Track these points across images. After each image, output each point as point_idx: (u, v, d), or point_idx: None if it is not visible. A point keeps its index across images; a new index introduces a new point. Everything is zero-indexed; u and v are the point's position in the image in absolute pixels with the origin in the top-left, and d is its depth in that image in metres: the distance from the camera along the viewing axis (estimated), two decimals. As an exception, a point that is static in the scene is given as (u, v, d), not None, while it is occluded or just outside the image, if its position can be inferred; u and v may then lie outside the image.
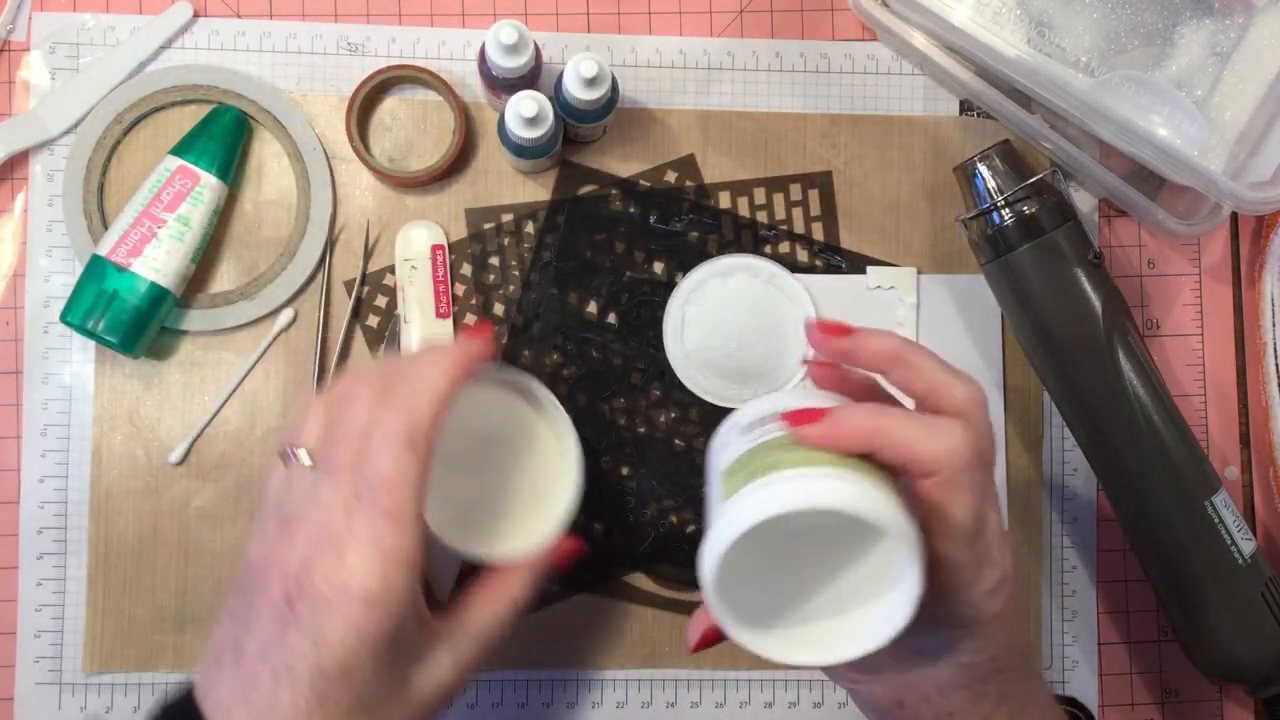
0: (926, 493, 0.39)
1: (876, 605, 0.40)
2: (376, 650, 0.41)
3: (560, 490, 0.50)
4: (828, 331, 0.44)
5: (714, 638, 0.42)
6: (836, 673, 0.46)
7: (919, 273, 0.63)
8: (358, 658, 0.40)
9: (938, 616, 0.40)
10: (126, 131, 0.61)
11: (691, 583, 0.61)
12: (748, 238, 0.63)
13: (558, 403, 0.50)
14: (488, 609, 0.46)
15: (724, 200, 0.63)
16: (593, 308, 0.62)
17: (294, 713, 0.40)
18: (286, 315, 0.61)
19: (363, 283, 0.61)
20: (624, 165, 0.63)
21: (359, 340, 0.61)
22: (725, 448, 0.43)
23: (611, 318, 0.62)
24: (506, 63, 0.56)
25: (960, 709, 0.43)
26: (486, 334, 0.46)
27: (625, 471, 0.61)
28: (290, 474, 0.44)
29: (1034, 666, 0.45)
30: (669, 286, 0.62)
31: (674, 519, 0.61)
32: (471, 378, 0.44)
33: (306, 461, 0.43)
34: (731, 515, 0.38)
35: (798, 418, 0.40)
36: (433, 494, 0.44)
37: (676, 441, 0.62)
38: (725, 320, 0.61)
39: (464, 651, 0.45)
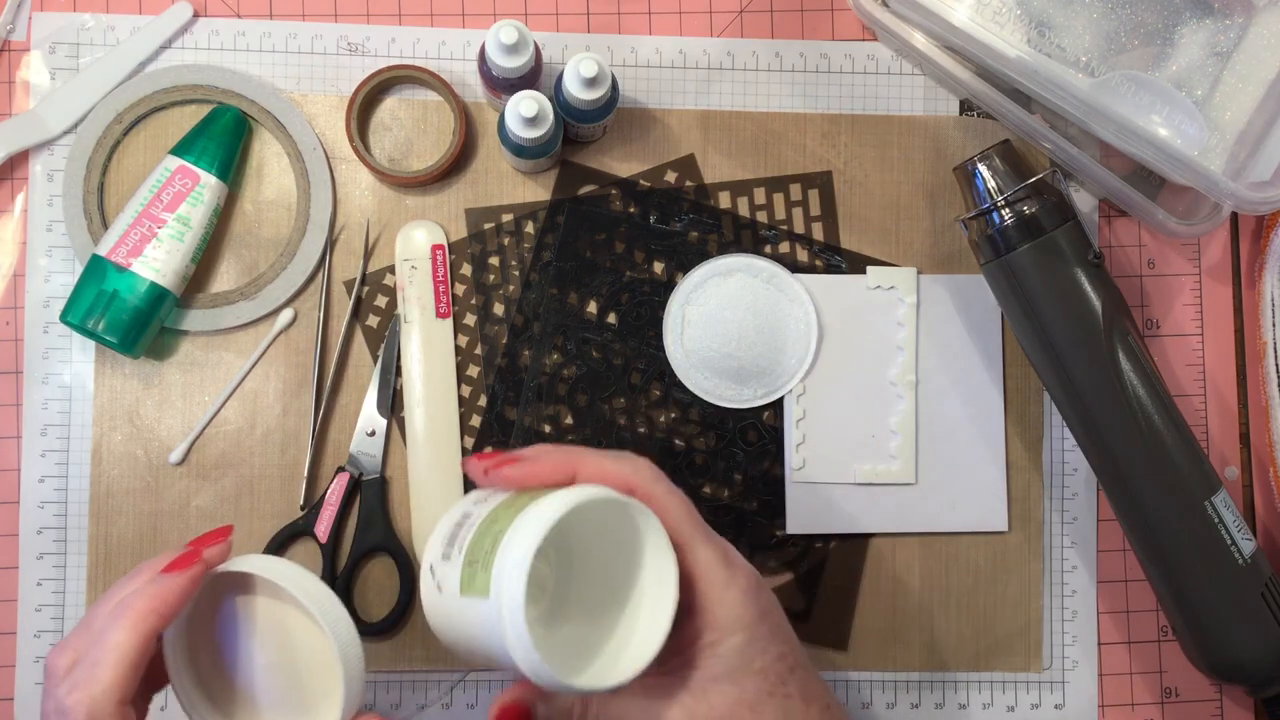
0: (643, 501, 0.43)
1: (650, 609, 0.43)
2: None
3: (329, 681, 0.45)
4: (497, 465, 0.45)
5: (518, 714, 0.44)
6: None
7: (919, 273, 0.63)
8: None
9: (715, 625, 0.43)
10: (126, 131, 0.61)
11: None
12: (748, 238, 0.63)
13: (313, 587, 0.44)
14: None
15: (724, 200, 0.63)
16: (593, 308, 0.62)
17: None
18: (286, 315, 0.61)
19: (363, 283, 0.61)
20: (624, 165, 0.63)
21: (359, 340, 0.61)
22: (445, 560, 0.44)
23: (611, 318, 0.62)
24: (506, 63, 0.56)
25: None
26: (188, 566, 0.43)
27: (625, 471, 0.61)
28: None
29: (813, 667, 0.47)
30: (669, 286, 0.62)
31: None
32: (174, 611, 0.42)
33: None
34: (510, 562, 0.40)
35: (497, 465, 0.45)
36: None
37: (676, 441, 0.62)
38: (725, 320, 0.61)
39: None
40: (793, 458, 0.62)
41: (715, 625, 0.43)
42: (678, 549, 0.43)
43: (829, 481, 0.62)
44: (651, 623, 0.43)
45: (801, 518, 0.62)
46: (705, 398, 0.61)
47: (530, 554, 0.39)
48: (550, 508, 0.41)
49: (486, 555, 0.41)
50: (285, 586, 0.43)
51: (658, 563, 0.43)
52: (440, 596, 0.43)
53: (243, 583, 0.45)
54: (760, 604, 0.44)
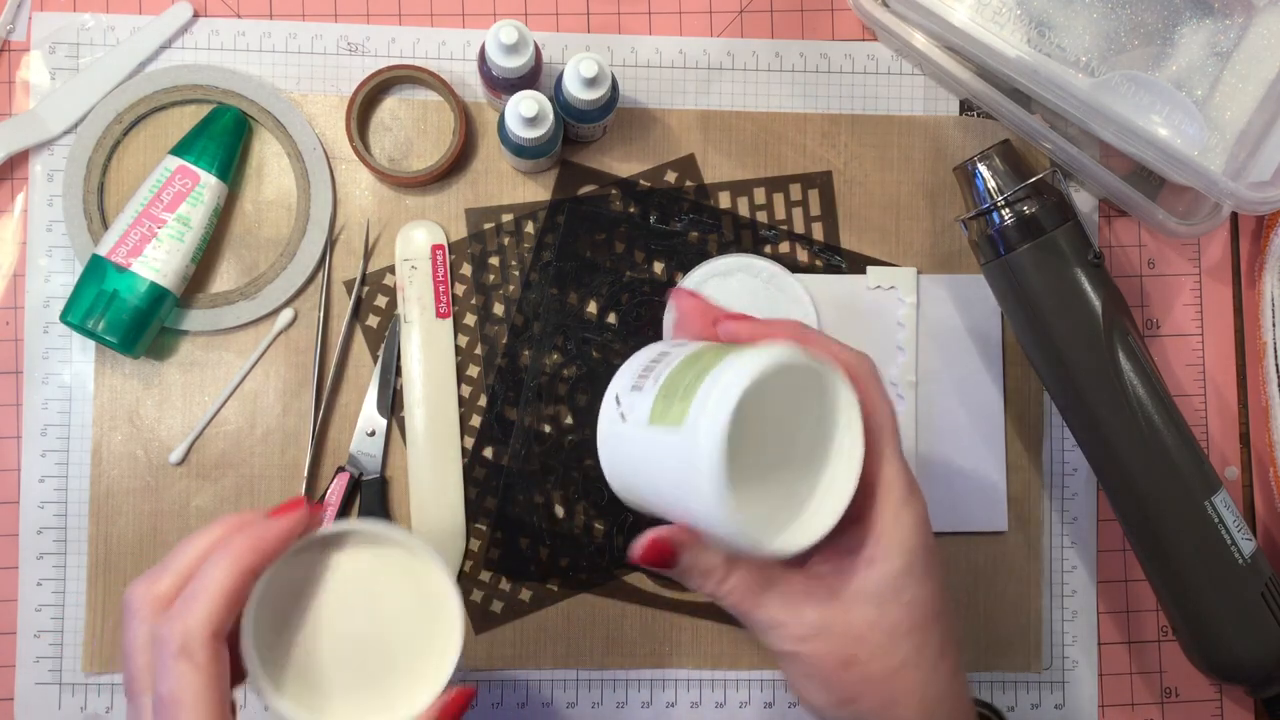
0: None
1: (829, 484, 0.42)
2: None
3: (441, 645, 0.45)
4: (730, 317, 0.46)
5: (663, 551, 0.42)
6: (787, 643, 0.44)
7: (919, 273, 0.63)
8: None
9: (879, 541, 0.42)
10: (126, 131, 0.61)
11: (691, 583, 0.61)
12: (748, 238, 0.63)
13: (425, 546, 0.45)
14: None
15: (724, 200, 0.63)
16: (593, 308, 0.62)
17: None
18: (286, 315, 0.61)
19: (363, 283, 0.61)
20: (624, 165, 0.63)
21: (359, 340, 0.61)
22: (636, 390, 0.43)
23: (611, 318, 0.62)
24: (506, 63, 0.56)
25: (910, 660, 0.43)
26: (294, 510, 0.44)
27: (625, 471, 0.61)
28: None
29: (959, 620, 0.46)
30: (669, 286, 0.62)
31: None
32: (274, 553, 0.42)
33: None
34: (719, 388, 0.39)
35: (729, 321, 0.45)
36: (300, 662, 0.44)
37: (676, 441, 0.62)
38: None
39: None
40: None
41: (879, 541, 0.42)
42: (868, 455, 0.42)
43: None
44: (829, 496, 0.42)
45: None
46: None
47: (744, 387, 0.38)
48: (768, 353, 0.40)
49: (688, 387, 0.40)
50: (404, 541, 0.44)
51: (845, 439, 0.42)
52: (622, 426, 0.43)
53: (326, 552, 0.45)
54: (927, 538, 0.43)
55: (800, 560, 0.43)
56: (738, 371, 0.39)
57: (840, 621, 0.42)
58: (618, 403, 0.44)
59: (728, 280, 0.61)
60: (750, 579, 0.43)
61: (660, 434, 0.41)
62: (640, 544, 0.43)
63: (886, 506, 0.43)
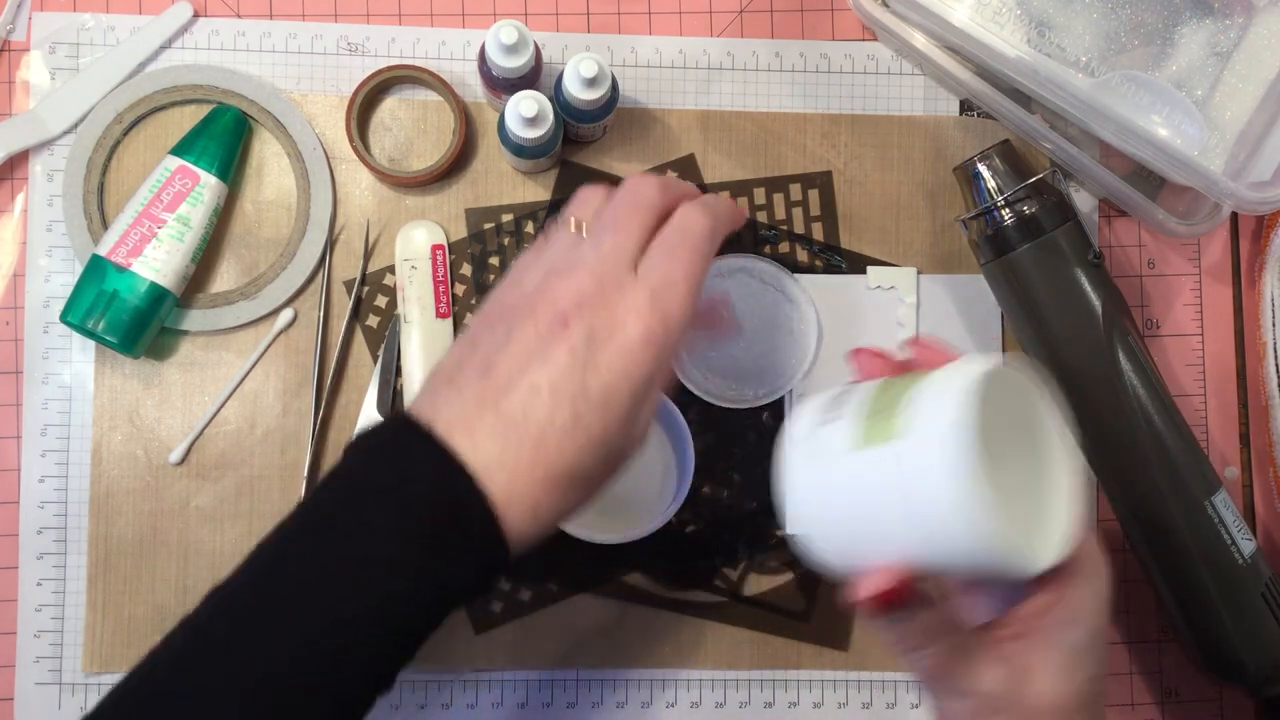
0: None
1: (1055, 500, 0.40)
2: (636, 389, 0.41)
3: None
4: (881, 355, 0.46)
5: (904, 588, 0.40)
6: (964, 716, 0.43)
7: (919, 273, 0.63)
8: (619, 390, 0.41)
9: (1072, 605, 0.41)
10: (126, 131, 0.61)
11: (691, 582, 0.61)
12: (748, 237, 0.63)
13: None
14: None
15: (724, 200, 0.63)
16: (593, 308, 0.62)
17: (546, 428, 0.40)
18: (286, 315, 0.61)
19: (363, 283, 0.61)
20: (624, 165, 0.63)
21: (359, 340, 0.61)
22: (827, 425, 0.41)
23: (611, 318, 0.62)
24: (506, 63, 0.56)
25: None
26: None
27: (625, 471, 0.61)
28: (554, 241, 0.46)
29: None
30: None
31: (674, 519, 0.61)
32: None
33: (571, 229, 0.45)
34: (952, 390, 0.37)
35: (923, 349, 0.44)
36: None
37: (676, 441, 0.62)
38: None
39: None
40: None
41: (1070, 608, 0.41)
42: None
43: None
44: (1059, 508, 0.40)
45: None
46: (706, 398, 0.61)
47: (979, 380, 0.36)
48: (984, 359, 0.38)
49: (905, 402, 0.37)
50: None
51: (1059, 453, 0.40)
52: (818, 463, 0.40)
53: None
54: (1107, 616, 0.42)
55: (985, 623, 0.42)
56: (964, 373, 0.37)
57: (1018, 693, 0.41)
58: (803, 443, 0.41)
59: (727, 281, 0.61)
60: (948, 643, 0.42)
61: (879, 454, 0.38)
62: (871, 583, 0.40)
63: (1080, 573, 0.42)
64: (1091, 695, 0.42)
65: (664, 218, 0.46)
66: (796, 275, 0.62)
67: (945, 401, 0.36)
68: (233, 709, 0.38)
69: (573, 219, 0.46)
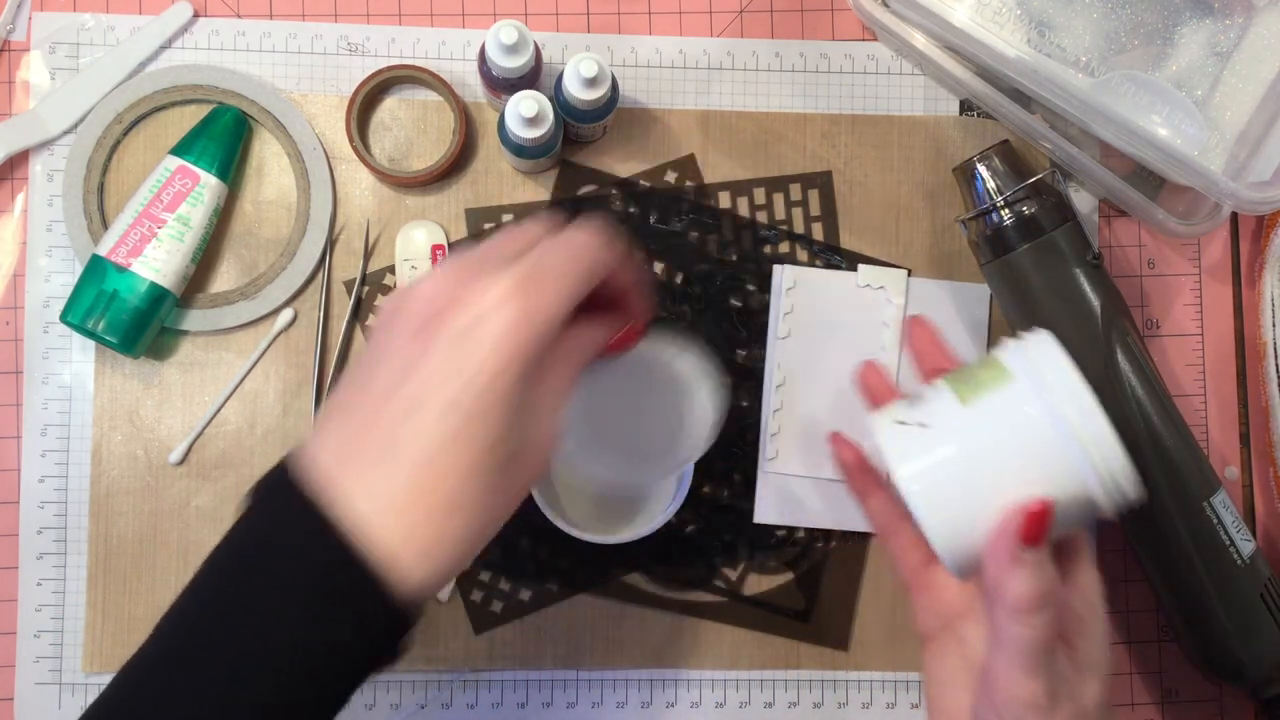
0: None
1: None
2: (515, 383, 0.37)
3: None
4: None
5: (1044, 515, 0.40)
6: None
7: (909, 274, 0.63)
8: (496, 390, 0.36)
9: (1086, 658, 0.43)
10: (126, 131, 0.61)
11: (691, 583, 0.61)
12: (747, 238, 0.63)
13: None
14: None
15: (724, 200, 0.63)
16: (593, 308, 0.62)
17: (425, 452, 0.36)
18: (286, 315, 0.61)
19: (363, 283, 0.61)
20: (624, 165, 0.63)
21: (359, 340, 0.61)
22: (915, 405, 0.44)
23: (611, 318, 0.62)
24: (506, 63, 0.56)
25: None
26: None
27: (625, 471, 0.61)
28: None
29: None
30: (669, 286, 0.62)
31: (674, 519, 0.61)
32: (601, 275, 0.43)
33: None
34: (1031, 336, 0.43)
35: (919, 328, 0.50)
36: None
37: (676, 441, 0.62)
38: (624, 402, 0.55)
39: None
40: (767, 447, 0.62)
41: (1088, 605, 0.44)
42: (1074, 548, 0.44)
43: (801, 475, 0.62)
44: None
45: (770, 508, 0.62)
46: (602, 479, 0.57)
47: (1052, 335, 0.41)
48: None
49: (983, 363, 0.41)
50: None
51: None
52: (926, 435, 0.42)
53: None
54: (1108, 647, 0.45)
55: None
56: (1038, 334, 0.41)
57: (1079, 691, 0.43)
58: (896, 428, 0.43)
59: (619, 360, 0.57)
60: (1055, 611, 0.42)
61: (988, 403, 0.41)
62: (1015, 520, 0.40)
63: (1094, 609, 0.44)
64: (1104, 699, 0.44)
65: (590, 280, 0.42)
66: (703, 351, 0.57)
67: (1041, 347, 0.40)
68: None
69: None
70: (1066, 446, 0.40)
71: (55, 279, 0.61)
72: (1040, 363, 0.41)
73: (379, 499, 0.37)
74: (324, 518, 0.36)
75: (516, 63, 0.56)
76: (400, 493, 0.37)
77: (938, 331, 0.51)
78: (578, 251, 0.40)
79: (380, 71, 0.61)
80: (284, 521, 0.37)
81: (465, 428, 0.36)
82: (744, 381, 0.62)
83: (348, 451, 0.38)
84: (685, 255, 0.62)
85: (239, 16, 0.62)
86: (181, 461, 0.60)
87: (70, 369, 0.60)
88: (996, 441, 0.41)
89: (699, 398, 0.55)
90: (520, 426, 0.38)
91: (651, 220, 0.62)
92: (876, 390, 0.52)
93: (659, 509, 0.58)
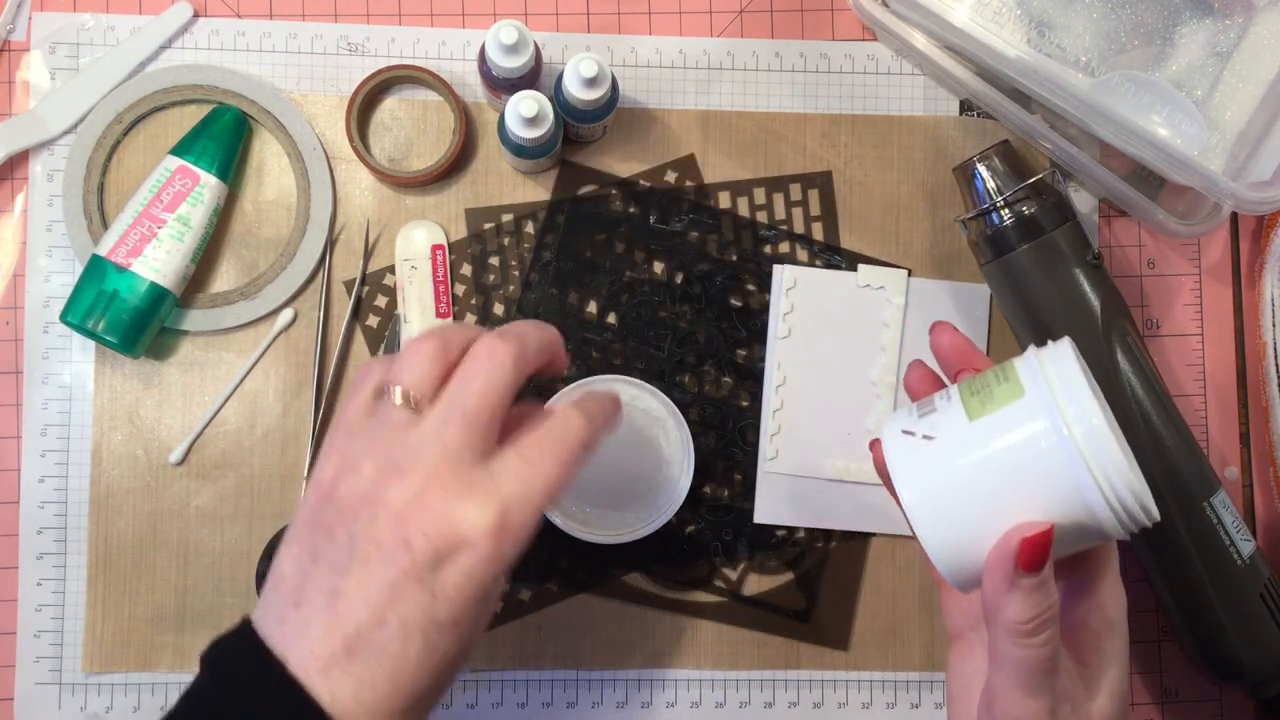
0: None
1: None
2: (484, 603, 0.41)
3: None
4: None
5: (1044, 543, 0.39)
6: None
7: (909, 274, 0.63)
8: (469, 610, 0.41)
9: (1107, 621, 0.45)
10: (126, 131, 0.61)
11: (691, 583, 0.61)
12: (747, 238, 0.63)
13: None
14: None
15: (724, 200, 0.63)
16: (593, 308, 0.62)
17: (401, 662, 0.40)
18: (286, 315, 0.61)
19: (363, 283, 0.61)
20: (624, 165, 0.63)
21: (359, 340, 0.61)
22: (925, 416, 0.42)
23: (611, 318, 0.62)
24: (506, 63, 0.56)
25: None
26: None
27: (625, 471, 0.61)
28: (380, 409, 0.43)
29: None
30: (669, 286, 0.62)
31: (674, 519, 0.61)
32: (535, 366, 0.46)
33: (398, 401, 0.42)
34: (1049, 348, 0.41)
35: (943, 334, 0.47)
36: None
37: (676, 441, 0.62)
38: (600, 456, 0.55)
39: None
40: (767, 447, 0.62)
41: (1107, 622, 0.45)
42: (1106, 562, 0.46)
43: (801, 475, 0.62)
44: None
45: (770, 508, 0.62)
46: (587, 530, 0.59)
47: (1072, 343, 0.39)
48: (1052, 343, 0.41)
49: (999, 375, 0.40)
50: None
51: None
52: (929, 448, 0.41)
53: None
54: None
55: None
56: (1057, 344, 0.40)
57: (1086, 707, 0.44)
58: (905, 437, 0.42)
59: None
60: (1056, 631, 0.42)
61: (995, 420, 0.39)
62: (1026, 529, 0.39)
63: (1111, 570, 0.46)
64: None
65: (523, 382, 0.44)
66: (660, 395, 0.59)
67: (1057, 362, 0.38)
68: None
69: (399, 390, 0.42)
70: (1074, 470, 0.38)
71: (55, 279, 0.61)
72: (1054, 379, 0.39)
73: (356, 701, 0.39)
74: (314, 709, 0.39)
75: (516, 63, 0.56)
76: (377, 697, 0.39)
77: (961, 336, 0.48)
78: (576, 456, 0.44)
79: (380, 71, 0.61)
80: (269, 705, 0.39)
81: (441, 643, 0.40)
82: (744, 381, 0.62)
83: (321, 657, 0.40)
84: (685, 255, 0.62)
85: (239, 16, 0.62)
86: (181, 461, 0.60)
87: (70, 369, 0.61)
88: (1001, 462, 0.40)
89: (670, 433, 0.59)
90: (478, 627, 0.42)
91: (651, 220, 0.62)
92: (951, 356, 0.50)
93: (659, 509, 0.58)
